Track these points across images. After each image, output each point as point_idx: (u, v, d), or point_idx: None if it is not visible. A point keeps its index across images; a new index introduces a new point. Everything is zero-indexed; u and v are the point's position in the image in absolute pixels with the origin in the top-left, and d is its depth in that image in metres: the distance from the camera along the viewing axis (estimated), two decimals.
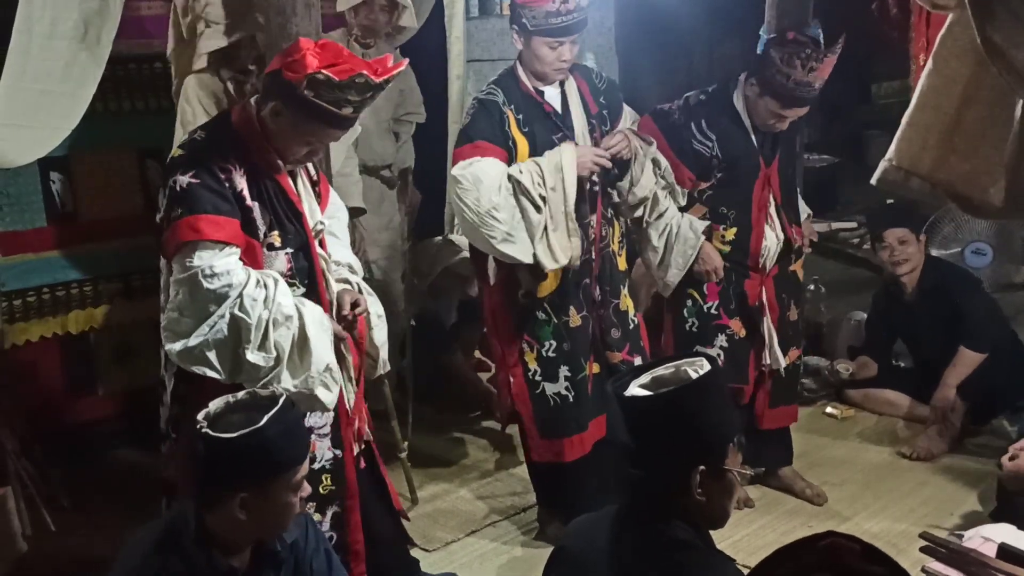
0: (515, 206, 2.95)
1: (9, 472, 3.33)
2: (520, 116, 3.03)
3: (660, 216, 3.25)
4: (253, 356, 2.24)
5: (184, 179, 2.27)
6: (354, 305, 2.52)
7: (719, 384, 1.95)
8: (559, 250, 2.98)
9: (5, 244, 3.77)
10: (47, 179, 3.88)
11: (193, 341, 2.24)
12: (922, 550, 2.59)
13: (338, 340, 2.45)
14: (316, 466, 2.47)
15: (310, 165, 2.59)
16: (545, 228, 2.96)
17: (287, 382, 2.29)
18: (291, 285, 2.39)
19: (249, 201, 2.34)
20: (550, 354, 3.12)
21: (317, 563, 2.15)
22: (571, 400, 3.14)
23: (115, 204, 4.05)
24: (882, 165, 2.03)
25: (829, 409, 4.33)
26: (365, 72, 2.22)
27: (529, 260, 2.98)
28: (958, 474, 3.65)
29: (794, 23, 3.48)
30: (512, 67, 3.12)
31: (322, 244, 2.55)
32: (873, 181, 2.13)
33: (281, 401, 1.94)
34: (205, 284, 2.22)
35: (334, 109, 2.26)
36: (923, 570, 2.53)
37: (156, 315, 4.05)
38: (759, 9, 3.70)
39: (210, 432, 1.87)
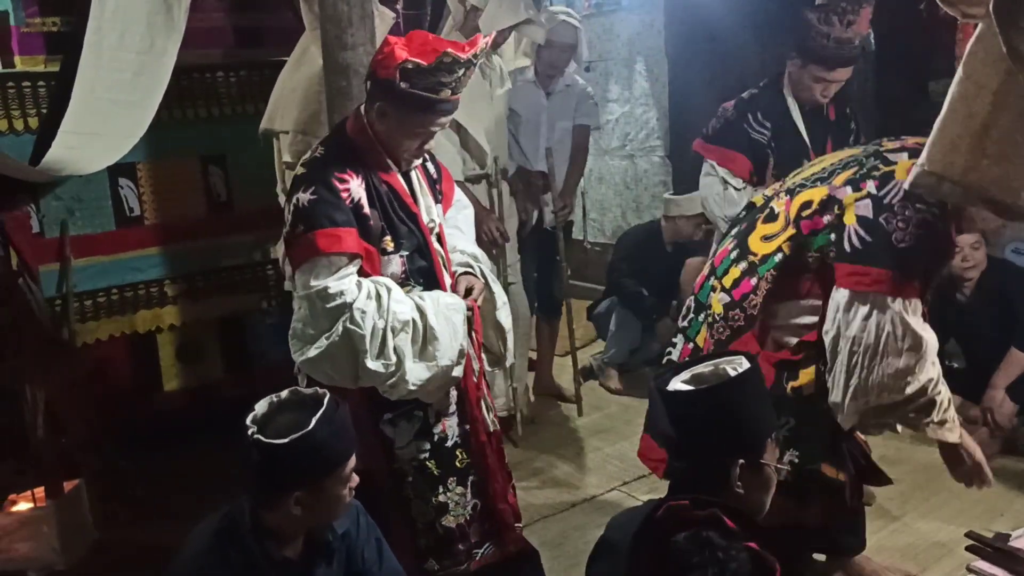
0: None
1: (80, 466, 3.49)
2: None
3: None
4: (373, 364, 2.33)
5: (304, 196, 2.34)
6: (468, 290, 2.56)
7: (758, 381, 1.99)
8: None
9: (77, 247, 3.94)
10: (116, 185, 4.04)
11: (312, 352, 2.35)
12: (968, 549, 2.61)
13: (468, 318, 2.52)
14: (449, 443, 2.58)
15: (429, 164, 2.66)
16: None
17: (416, 377, 2.39)
18: (406, 286, 2.46)
19: (367, 209, 2.40)
20: None
21: (368, 552, 2.21)
22: None
23: (180, 209, 4.20)
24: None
25: None
26: (450, 50, 2.27)
27: None
28: (1009, 475, 3.61)
29: None
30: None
31: (441, 242, 2.60)
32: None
33: (326, 400, 1.98)
34: (321, 304, 2.32)
35: (432, 95, 2.31)
36: (968, 569, 2.55)
37: (219, 315, 4.30)
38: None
39: (262, 438, 1.90)
